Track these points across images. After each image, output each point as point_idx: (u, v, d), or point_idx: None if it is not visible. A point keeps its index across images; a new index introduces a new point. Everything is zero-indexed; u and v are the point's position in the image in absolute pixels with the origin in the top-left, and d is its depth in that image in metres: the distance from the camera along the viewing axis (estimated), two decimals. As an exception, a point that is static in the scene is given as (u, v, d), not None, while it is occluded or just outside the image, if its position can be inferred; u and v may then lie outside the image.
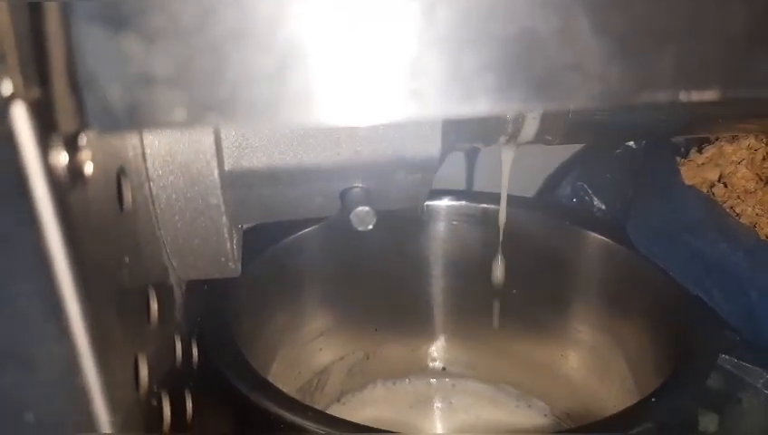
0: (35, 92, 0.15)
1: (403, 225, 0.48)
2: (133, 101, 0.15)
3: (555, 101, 0.16)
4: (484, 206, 0.48)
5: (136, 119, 0.15)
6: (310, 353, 0.49)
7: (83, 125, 0.15)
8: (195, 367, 0.34)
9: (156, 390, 0.26)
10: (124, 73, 0.15)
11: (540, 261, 0.48)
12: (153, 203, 0.27)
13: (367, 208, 0.30)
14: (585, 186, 0.51)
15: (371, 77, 0.16)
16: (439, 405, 0.52)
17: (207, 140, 0.27)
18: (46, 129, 0.15)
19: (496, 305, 0.48)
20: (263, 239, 0.44)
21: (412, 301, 0.51)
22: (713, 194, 0.47)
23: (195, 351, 0.34)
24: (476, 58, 0.15)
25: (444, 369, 0.53)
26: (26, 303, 0.16)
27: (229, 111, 0.15)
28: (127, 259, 0.22)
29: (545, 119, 0.34)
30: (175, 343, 0.30)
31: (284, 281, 0.46)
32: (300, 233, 0.45)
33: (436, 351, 0.53)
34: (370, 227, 0.30)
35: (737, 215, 0.46)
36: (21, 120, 0.14)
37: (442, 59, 0.15)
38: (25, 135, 0.15)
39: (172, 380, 0.29)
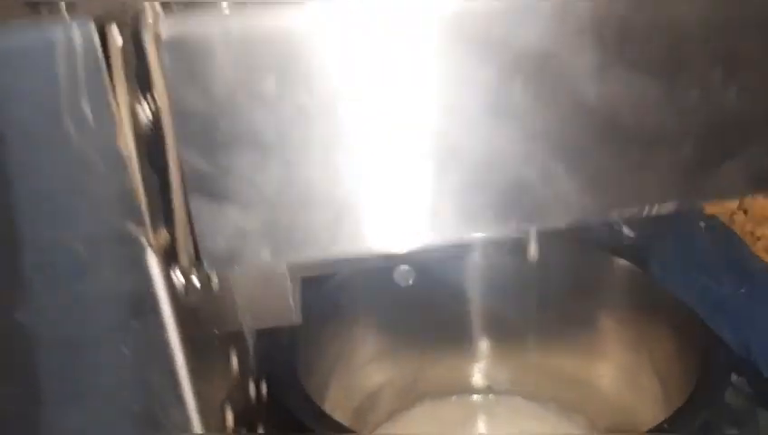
0: (163, 242, 0.21)
1: (442, 256, 0.53)
2: (232, 248, 0.21)
3: (539, 224, 0.21)
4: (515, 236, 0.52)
5: (233, 260, 0.21)
6: (362, 378, 0.54)
7: (198, 263, 0.21)
8: (264, 402, 0.39)
9: (237, 427, 0.31)
10: (226, 230, 0.20)
11: (572, 285, 0.52)
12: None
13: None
14: (614, 214, 0.55)
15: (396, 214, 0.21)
16: (484, 420, 0.56)
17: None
18: (170, 264, 0.21)
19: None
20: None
21: (455, 325, 0.56)
22: (733, 222, 0.51)
23: (263, 387, 0.40)
24: (481, 199, 0.20)
25: (488, 386, 0.57)
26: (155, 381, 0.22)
27: (299, 249, 0.21)
28: (216, 330, 0.28)
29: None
30: (249, 385, 0.36)
31: (337, 316, 0.51)
32: (348, 273, 0.50)
33: (480, 370, 0.57)
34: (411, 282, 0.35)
35: (757, 238, 0.50)
36: (152, 262, 0.20)
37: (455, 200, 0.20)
38: (155, 272, 0.21)
39: (249, 416, 0.35)
